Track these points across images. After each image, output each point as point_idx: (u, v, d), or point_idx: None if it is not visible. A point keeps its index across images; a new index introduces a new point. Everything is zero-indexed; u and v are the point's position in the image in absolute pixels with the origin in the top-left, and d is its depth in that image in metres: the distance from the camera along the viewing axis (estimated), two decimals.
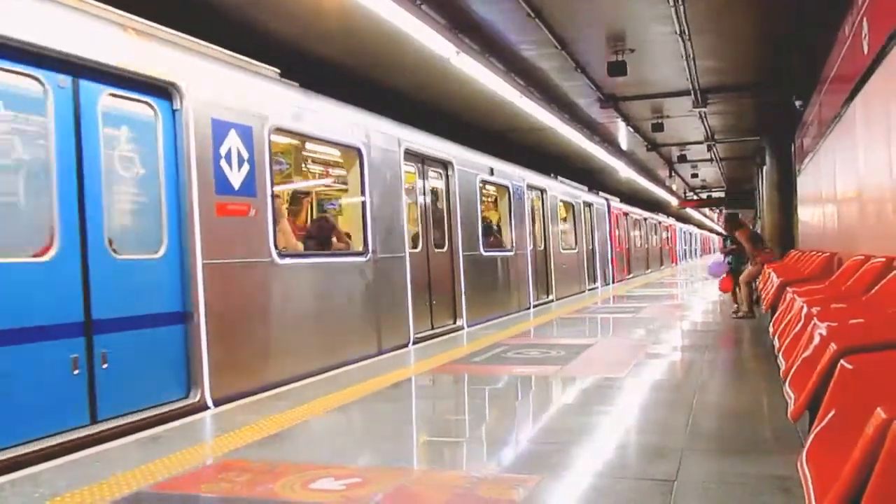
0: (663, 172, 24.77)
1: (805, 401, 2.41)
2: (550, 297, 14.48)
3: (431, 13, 7.42)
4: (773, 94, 11.92)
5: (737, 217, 11.53)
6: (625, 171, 19.87)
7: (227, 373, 5.33)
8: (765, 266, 9.31)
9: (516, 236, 12.48)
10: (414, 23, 6.91)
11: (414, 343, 8.28)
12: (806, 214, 12.07)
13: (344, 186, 8.44)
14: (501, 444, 4.27)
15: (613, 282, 20.65)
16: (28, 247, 4.23)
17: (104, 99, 4.65)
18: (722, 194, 31.99)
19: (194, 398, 5.07)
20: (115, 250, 4.65)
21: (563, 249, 15.99)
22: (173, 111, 5.11)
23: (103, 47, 4.60)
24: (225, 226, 5.48)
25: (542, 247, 14.50)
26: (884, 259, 4.40)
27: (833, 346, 2.33)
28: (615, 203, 22.29)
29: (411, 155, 8.77)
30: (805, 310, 3.62)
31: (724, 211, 36.87)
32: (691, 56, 9.98)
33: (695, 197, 34.39)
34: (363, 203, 7.60)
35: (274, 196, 6.11)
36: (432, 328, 9.05)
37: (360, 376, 6.19)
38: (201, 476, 3.53)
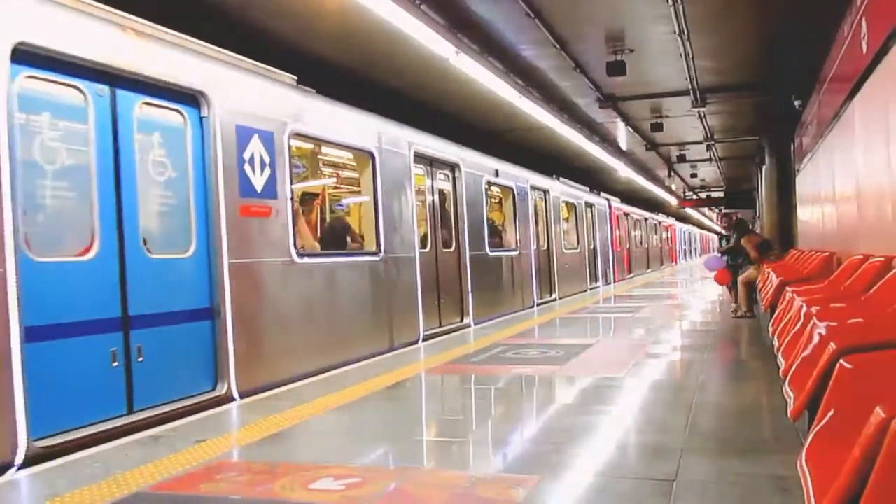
0: (662, 172, 24.78)
1: (804, 400, 2.41)
2: (554, 296, 14.67)
3: (430, 13, 7.42)
4: (772, 93, 11.91)
5: (746, 224, 11.51)
6: (624, 171, 19.90)
7: (252, 366, 5.59)
8: (764, 265, 9.31)
9: (520, 236, 12.71)
10: (413, 23, 6.91)
11: (424, 340, 8.48)
12: (805, 214, 12.07)
13: (357, 188, 8.70)
14: (501, 444, 4.27)
15: (614, 281, 20.77)
16: (72, 246, 4.50)
17: (139, 107, 4.92)
18: (721, 194, 31.99)
19: (221, 390, 5.31)
20: (148, 250, 4.91)
21: (566, 249, 16.18)
22: (201, 118, 5.38)
23: (138, 58, 4.84)
24: (248, 226, 5.75)
25: (546, 247, 14.69)
26: (883, 258, 4.40)
27: (832, 346, 2.33)
28: (616, 203, 22.38)
29: (420, 157, 8.99)
30: (804, 309, 3.62)
31: (722, 210, 36.91)
32: (690, 56, 9.98)
33: (694, 197, 34.41)
34: (375, 204, 7.82)
35: (293, 198, 6.36)
36: (440, 326, 9.25)
37: (362, 376, 6.20)
38: (201, 476, 3.53)
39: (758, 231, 15.90)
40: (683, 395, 5.09)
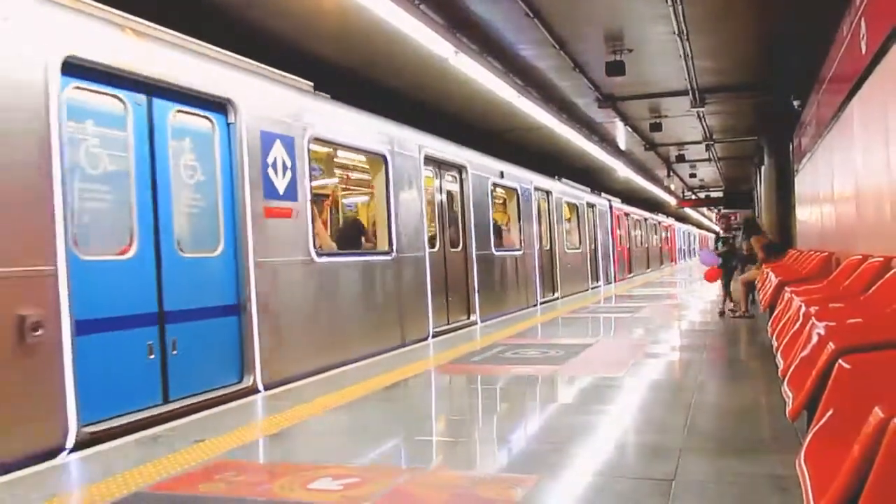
0: (661, 172, 24.78)
1: (803, 400, 2.41)
2: (556, 295, 14.89)
3: (430, 13, 7.42)
4: (772, 94, 11.92)
5: (756, 223, 11.51)
6: (623, 171, 19.92)
7: (275, 360, 5.86)
8: (763, 265, 9.31)
9: (524, 236, 12.97)
10: (412, 22, 6.91)
11: (433, 336, 8.67)
12: (804, 214, 12.07)
13: (370, 190, 8.95)
14: (500, 444, 4.27)
15: (615, 280, 20.86)
16: (113, 246, 4.79)
17: (172, 115, 5.18)
18: (720, 194, 32.00)
19: (247, 382, 5.57)
20: (181, 249, 5.18)
21: (568, 249, 16.39)
22: (228, 124, 5.64)
23: (172, 68, 5.10)
24: (271, 227, 6.01)
25: (549, 246, 14.89)
26: (882, 258, 4.40)
27: (831, 346, 2.33)
28: (616, 204, 22.47)
29: (430, 160, 9.23)
30: (803, 309, 3.62)
31: (721, 210, 36.90)
32: (689, 56, 9.98)
33: (693, 197, 34.41)
34: (388, 205, 8.04)
35: (312, 200, 6.61)
36: (448, 323, 9.47)
37: (361, 375, 6.20)
38: (200, 476, 3.53)
39: (775, 242, 15.87)
40: (682, 395, 5.09)
